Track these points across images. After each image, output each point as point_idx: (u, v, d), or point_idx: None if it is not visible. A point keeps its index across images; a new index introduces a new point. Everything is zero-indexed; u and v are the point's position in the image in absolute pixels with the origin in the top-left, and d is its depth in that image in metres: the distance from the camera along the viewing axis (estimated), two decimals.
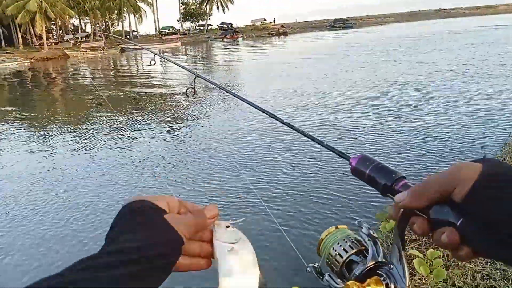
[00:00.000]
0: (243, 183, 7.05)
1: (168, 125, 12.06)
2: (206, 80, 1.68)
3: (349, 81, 16.36)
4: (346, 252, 0.74)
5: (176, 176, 7.59)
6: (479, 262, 3.24)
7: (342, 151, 0.82)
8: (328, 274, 0.75)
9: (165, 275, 0.55)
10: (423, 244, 3.60)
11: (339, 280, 0.73)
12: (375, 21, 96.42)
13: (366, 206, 5.73)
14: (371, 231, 0.75)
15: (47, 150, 10.22)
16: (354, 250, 0.74)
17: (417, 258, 3.01)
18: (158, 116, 13.44)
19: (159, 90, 19.80)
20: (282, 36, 70.04)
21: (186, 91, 1.79)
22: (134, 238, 0.53)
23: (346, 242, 0.75)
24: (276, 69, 23.06)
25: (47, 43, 55.99)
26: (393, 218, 0.63)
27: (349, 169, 0.72)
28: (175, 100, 16.35)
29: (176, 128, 11.68)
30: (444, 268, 3.02)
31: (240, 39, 68.32)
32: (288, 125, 1.01)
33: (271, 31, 77.37)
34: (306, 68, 22.24)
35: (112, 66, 40.03)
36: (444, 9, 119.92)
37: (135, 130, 11.51)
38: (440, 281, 2.96)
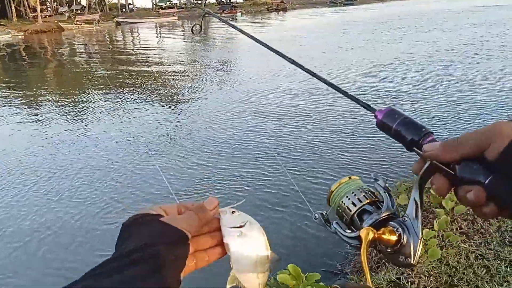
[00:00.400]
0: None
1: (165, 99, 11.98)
2: (215, 17, 1.57)
3: (346, 60, 16.23)
4: (360, 201, 0.72)
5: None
6: (473, 243, 3.29)
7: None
8: (336, 222, 0.74)
9: (178, 270, 0.55)
10: None
11: (348, 229, 0.72)
12: None
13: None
14: (387, 184, 0.74)
15: (40, 125, 10.15)
16: (368, 200, 0.72)
17: None
18: (157, 89, 13.33)
19: (157, 66, 19.60)
20: (282, 12, 69.00)
21: (192, 28, 1.68)
22: (134, 241, 0.54)
23: (361, 192, 0.74)
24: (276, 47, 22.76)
25: (41, 15, 54.86)
26: (416, 172, 0.62)
27: (372, 123, 0.70)
28: (173, 72, 16.20)
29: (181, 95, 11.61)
30: (439, 248, 3.06)
31: (239, 14, 67.24)
32: (310, 72, 0.93)
33: (270, 6, 76.12)
34: (305, 45, 21.98)
35: (108, 39, 39.43)
36: None
37: (135, 104, 11.42)
38: (435, 261, 3.00)
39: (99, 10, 64.32)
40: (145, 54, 24.06)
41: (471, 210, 3.02)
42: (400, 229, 0.66)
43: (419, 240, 0.64)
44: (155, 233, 0.55)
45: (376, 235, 0.65)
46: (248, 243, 0.65)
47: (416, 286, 2.90)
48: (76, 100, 13.02)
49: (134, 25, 53.62)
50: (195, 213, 0.62)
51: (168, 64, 19.39)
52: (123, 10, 69.59)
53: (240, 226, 0.65)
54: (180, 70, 17.20)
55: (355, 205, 0.72)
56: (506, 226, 3.46)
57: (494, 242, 3.27)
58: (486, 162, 0.52)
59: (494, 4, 36.22)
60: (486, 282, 2.85)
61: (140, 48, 28.81)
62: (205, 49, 24.88)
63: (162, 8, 73.70)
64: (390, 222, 0.68)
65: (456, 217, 3.62)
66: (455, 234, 3.34)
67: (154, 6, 77.81)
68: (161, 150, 7.73)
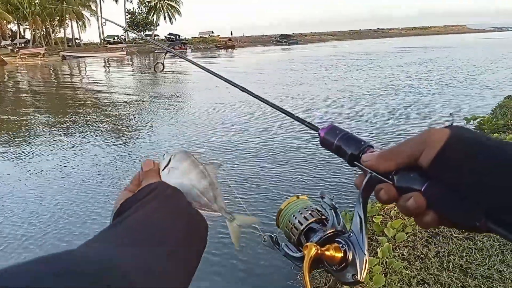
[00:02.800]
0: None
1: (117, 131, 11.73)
2: (177, 55, 1.54)
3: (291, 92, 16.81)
4: (307, 219, 0.72)
5: None
6: (415, 268, 3.45)
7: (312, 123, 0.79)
8: (285, 244, 0.73)
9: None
10: None
11: (296, 249, 0.72)
12: (319, 38, 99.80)
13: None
14: (333, 202, 0.74)
15: None
16: (314, 218, 0.73)
17: None
18: (106, 121, 13.03)
19: (108, 96, 19.22)
20: (230, 49, 70.52)
21: (154, 66, 1.64)
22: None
23: (307, 210, 0.74)
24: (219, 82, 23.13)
25: None
26: (358, 186, 0.63)
27: (318, 143, 0.71)
28: (126, 104, 15.94)
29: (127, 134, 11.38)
30: (383, 275, 3.19)
31: (189, 50, 67.89)
32: (259, 98, 0.97)
33: (219, 44, 77.67)
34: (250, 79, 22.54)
35: (53, 73, 38.28)
36: (382, 29, 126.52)
37: (80, 139, 11.08)
38: (379, 287, 3.11)
39: (44, 44, 62.62)
40: (94, 89, 23.58)
41: (410, 237, 3.19)
42: (345, 245, 0.65)
43: (365, 256, 0.64)
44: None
45: (319, 251, 0.64)
46: (176, 173, 0.69)
47: None
48: (17, 133, 12.43)
49: (80, 59, 52.62)
50: (131, 182, 0.72)
51: (118, 100, 19.09)
52: (70, 44, 68.23)
53: (167, 165, 0.70)
54: (131, 105, 16.99)
55: (301, 224, 0.72)
56: (444, 251, 3.68)
57: (433, 267, 3.45)
58: (422, 169, 0.53)
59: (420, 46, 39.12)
60: None
61: (89, 82, 28.19)
62: (156, 83, 24.85)
63: (110, 43, 73.12)
64: (336, 239, 0.67)
65: (398, 244, 3.80)
66: (398, 260, 3.50)
67: (102, 41, 77.08)
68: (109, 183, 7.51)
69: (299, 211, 0.74)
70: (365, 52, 43.63)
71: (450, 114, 7.75)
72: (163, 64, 1.60)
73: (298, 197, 0.78)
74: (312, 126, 0.77)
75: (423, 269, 3.45)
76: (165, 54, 1.56)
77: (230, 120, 11.42)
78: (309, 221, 0.72)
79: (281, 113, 0.90)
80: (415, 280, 3.30)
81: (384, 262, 3.45)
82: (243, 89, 1.05)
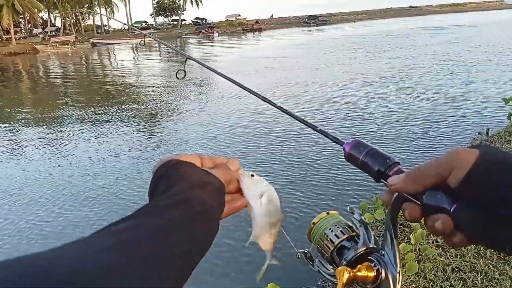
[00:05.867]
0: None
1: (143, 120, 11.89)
2: (197, 62, 1.62)
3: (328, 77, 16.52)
4: (338, 237, 0.73)
5: None
6: (450, 255, 3.33)
7: (336, 136, 0.79)
8: (318, 260, 0.74)
9: (219, 216, 0.59)
10: None
11: (330, 266, 0.73)
12: (348, 18, 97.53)
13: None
14: (362, 217, 0.74)
15: (16, 149, 9.90)
16: (345, 236, 0.73)
17: None
18: (134, 108, 13.22)
19: (137, 83, 19.49)
20: (257, 32, 69.99)
21: (176, 74, 1.70)
22: (180, 185, 0.56)
23: (338, 227, 0.75)
24: (252, 64, 23.05)
25: (15, 37, 54.22)
26: (386, 203, 0.62)
27: (342, 155, 0.71)
28: (154, 92, 16.13)
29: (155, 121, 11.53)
30: (416, 262, 3.09)
31: (216, 34, 67.85)
32: (281, 109, 0.98)
33: (246, 27, 77.21)
34: (284, 64, 22.31)
35: (85, 60, 39.11)
36: (415, 7, 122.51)
37: (114, 124, 11.28)
38: (413, 274, 3.02)
39: (74, 32, 63.91)
40: (123, 76, 23.93)
41: None
42: (377, 264, 0.66)
43: (398, 273, 0.65)
44: (198, 180, 0.58)
45: (351, 274, 0.65)
46: (268, 205, 0.70)
47: None
48: (54, 122, 12.79)
49: (110, 46, 53.46)
50: (223, 171, 0.66)
51: (145, 85, 19.31)
52: (99, 31, 69.33)
53: (261, 192, 0.71)
54: (158, 90, 17.16)
55: (333, 242, 0.73)
56: None
57: (469, 254, 3.32)
58: (450, 190, 0.53)
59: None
60: None
61: (119, 71, 28.61)
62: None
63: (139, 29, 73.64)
64: (368, 257, 0.68)
65: None
66: (431, 247, 3.39)
67: (130, 27, 77.88)
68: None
69: (330, 229, 0.75)
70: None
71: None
72: (184, 71, 1.65)
73: (328, 213, 0.79)
74: (337, 140, 0.77)
75: (459, 256, 3.32)
76: (186, 60, 1.64)
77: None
78: (341, 239, 0.73)
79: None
80: (450, 267, 3.19)
81: (417, 249, 3.34)
82: (264, 99, 1.07)
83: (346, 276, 0.64)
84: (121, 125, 11.40)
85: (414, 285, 3.00)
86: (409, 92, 12.30)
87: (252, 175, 0.71)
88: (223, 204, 0.62)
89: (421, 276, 3.09)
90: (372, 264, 0.66)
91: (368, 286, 0.66)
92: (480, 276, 3.05)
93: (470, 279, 3.02)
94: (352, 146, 0.69)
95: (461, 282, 3.00)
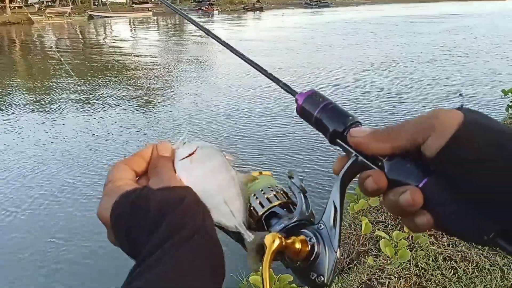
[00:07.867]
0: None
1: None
2: (216, 38, 1.46)
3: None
4: (270, 202, 0.61)
5: None
6: (442, 244, 3.35)
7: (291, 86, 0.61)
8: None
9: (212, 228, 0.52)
10: (389, 226, 3.68)
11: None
12: (352, 1, 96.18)
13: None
14: (302, 184, 0.62)
15: (7, 120, 9.79)
16: (279, 202, 0.61)
17: (383, 239, 3.07)
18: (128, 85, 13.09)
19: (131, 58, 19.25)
20: (258, 12, 69.05)
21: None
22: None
23: (272, 190, 0.62)
24: (256, 45, 22.86)
25: (10, 6, 53.09)
26: (337, 171, 0.52)
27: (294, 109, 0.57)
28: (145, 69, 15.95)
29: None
30: (409, 250, 3.10)
31: (216, 12, 66.83)
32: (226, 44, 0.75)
33: (247, 6, 76.11)
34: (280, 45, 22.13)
35: (80, 33, 38.49)
36: None
37: (105, 100, 11.17)
38: (404, 262, 3.04)
39: (70, 3, 62.75)
40: (120, 52, 23.63)
41: None
42: (313, 239, 0.54)
43: (335, 254, 0.53)
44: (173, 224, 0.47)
45: (284, 243, 0.53)
46: (201, 169, 0.55)
47: (386, 287, 2.94)
48: (44, 96, 12.63)
49: (107, 19, 52.57)
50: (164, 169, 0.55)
51: (143, 63, 19.10)
52: (96, 3, 68.13)
53: (190, 154, 0.56)
54: (155, 67, 16.97)
55: (263, 206, 0.61)
56: None
57: (461, 244, 3.34)
58: (423, 159, 0.43)
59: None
60: (454, 283, 2.91)
61: (115, 46, 28.26)
62: (182, 45, 24.69)
63: (136, 3, 72.45)
64: (303, 230, 0.56)
65: None
66: (424, 236, 3.40)
67: (128, 0, 76.54)
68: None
69: (262, 190, 0.62)
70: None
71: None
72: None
73: (260, 173, 0.66)
74: (289, 89, 0.60)
75: (451, 245, 3.35)
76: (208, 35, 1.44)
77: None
78: (273, 204, 0.61)
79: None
80: (442, 256, 3.21)
81: (410, 237, 3.35)
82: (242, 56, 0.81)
83: (277, 243, 0.52)
84: (113, 100, 11.30)
85: (406, 273, 3.03)
86: (406, 80, 12.29)
87: (184, 144, 0.58)
88: (208, 216, 0.51)
89: (412, 263, 3.12)
90: (308, 238, 0.54)
91: (298, 264, 0.55)
92: (471, 266, 3.07)
93: (461, 268, 3.05)
94: (306, 98, 0.56)
95: (452, 271, 3.03)
